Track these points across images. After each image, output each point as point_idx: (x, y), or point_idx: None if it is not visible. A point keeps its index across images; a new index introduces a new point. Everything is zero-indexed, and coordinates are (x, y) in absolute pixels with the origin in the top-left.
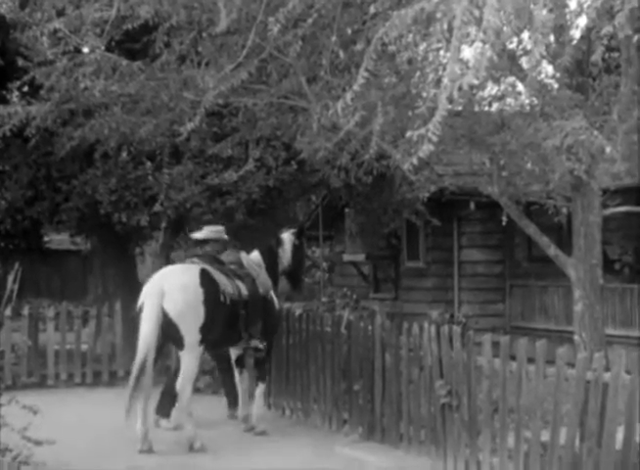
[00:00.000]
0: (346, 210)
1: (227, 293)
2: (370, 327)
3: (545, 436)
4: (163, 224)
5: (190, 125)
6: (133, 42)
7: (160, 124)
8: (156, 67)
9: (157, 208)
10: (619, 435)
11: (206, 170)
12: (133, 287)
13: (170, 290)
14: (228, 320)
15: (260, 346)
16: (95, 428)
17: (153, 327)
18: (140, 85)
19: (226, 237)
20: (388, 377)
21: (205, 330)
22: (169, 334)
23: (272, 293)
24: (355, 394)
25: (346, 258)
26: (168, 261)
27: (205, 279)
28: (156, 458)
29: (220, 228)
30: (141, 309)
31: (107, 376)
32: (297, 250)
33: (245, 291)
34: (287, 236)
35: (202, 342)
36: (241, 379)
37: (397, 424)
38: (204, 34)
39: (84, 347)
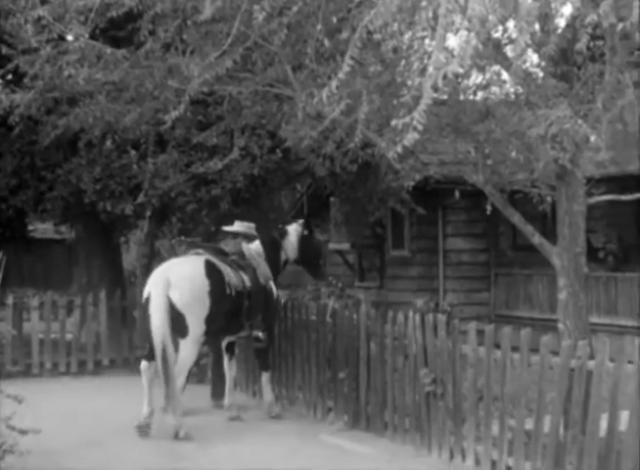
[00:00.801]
0: (331, 198)
1: (232, 284)
2: (355, 316)
3: (529, 424)
4: (148, 213)
5: (174, 114)
6: (117, 30)
7: (145, 113)
8: (140, 55)
9: (141, 198)
10: (603, 422)
11: (191, 159)
12: (118, 276)
13: (177, 280)
14: (232, 311)
15: (261, 336)
16: (80, 417)
17: (163, 316)
18: (124, 73)
19: (255, 233)
20: (373, 365)
21: (210, 321)
22: (174, 324)
23: (271, 283)
24: (340, 382)
25: (332, 246)
26: (153, 250)
27: (211, 270)
28: (140, 446)
29: (252, 225)
30: (148, 300)
31: (92, 365)
32: (307, 240)
33: (248, 282)
34: (293, 227)
35: (206, 332)
36: (229, 366)
37: (382, 412)
38: (188, 22)
39: (69, 336)
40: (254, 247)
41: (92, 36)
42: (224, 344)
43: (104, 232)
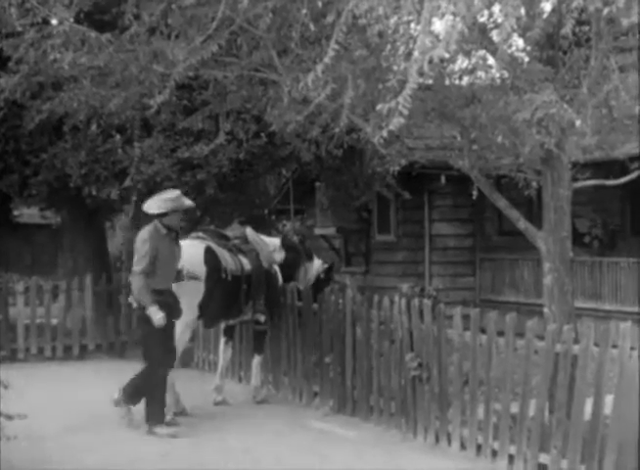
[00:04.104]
0: (317, 183)
1: (229, 269)
2: (341, 300)
3: (515, 408)
4: (134, 198)
5: (160, 98)
6: (102, 14)
7: (130, 97)
8: (125, 39)
9: (127, 183)
10: (588, 406)
11: (177, 144)
12: (103, 261)
13: None
14: (228, 296)
15: (262, 319)
16: (66, 402)
17: None
18: (109, 58)
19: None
20: (359, 350)
21: (204, 306)
22: None
23: (276, 267)
24: (326, 367)
25: (317, 231)
26: None
27: (210, 256)
28: (124, 431)
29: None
30: None
31: (77, 350)
32: (321, 282)
33: (248, 266)
34: (317, 261)
35: (199, 317)
36: (224, 349)
37: (368, 397)
38: (173, 6)
39: (54, 321)
40: (269, 239)
41: (76, 20)
42: (222, 327)
43: (89, 217)
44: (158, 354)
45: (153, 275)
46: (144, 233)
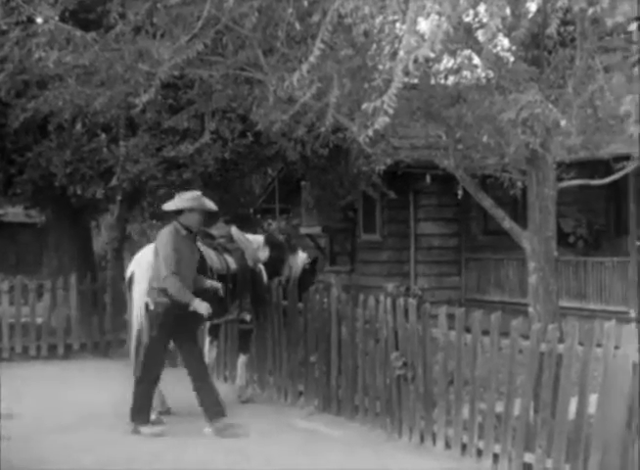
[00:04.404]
0: (303, 182)
1: (214, 268)
2: (326, 299)
3: (500, 407)
4: (119, 197)
5: (145, 97)
6: (87, 12)
7: (115, 96)
8: (110, 38)
9: (113, 182)
10: (573, 406)
11: (162, 143)
12: (88, 260)
13: None
14: (213, 295)
15: (248, 318)
16: (52, 401)
17: (144, 300)
18: (94, 56)
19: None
20: (344, 349)
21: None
22: None
23: (261, 266)
24: (311, 366)
25: (303, 230)
26: (124, 234)
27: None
28: (110, 432)
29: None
30: (131, 280)
31: (62, 349)
32: (306, 273)
33: (233, 265)
34: (302, 254)
35: None
36: (210, 348)
37: (353, 396)
38: (159, 5)
39: (39, 320)
40: (253, 237)
41: (62, 19)
42: (207, 326)
43: (74, 216)
44: (160, 357)
45: None
46: (163, 235)
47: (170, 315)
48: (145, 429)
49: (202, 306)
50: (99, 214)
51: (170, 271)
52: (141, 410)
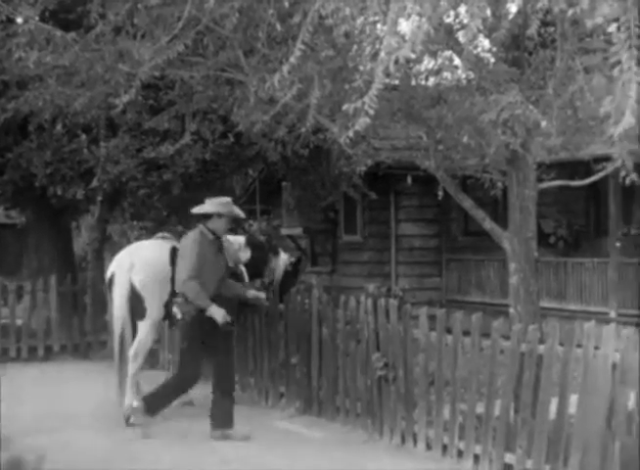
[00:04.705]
0: (284, 183)
1: None
2: (307, 300)
3: (480, 408)
4: (99, 198)
5: (125, 98)
6: (67, 13)
7: (96, 97)
8: (90, 38)
9: (94, 183)
10: (553, 406)
11: (143, 144)
12: (69, 261)
13: (140, 264)
14: None
15: (228, 319)
16: (32, 403)
17: (124, 301)
18: (75, 57)
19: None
20: (325, 350)
21: (169, 306)
22: (133, 306)
23: (242, 267)
24: (292, 367)
25: (284, 231)
26: (104, 235)
27: (175, 257)
28: (90, 433)
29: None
30: (111, 281)
31: (42, 351)
32: (288, 275)
33: None
34: (283, 255)
35: (164, 317)
36: None
37: (334, 397)
38: (139, 5)
39: (19, 321)
40: (234, 238)
41: (42, 19)
42: None
43: (55, 217)
44: (195, 367)
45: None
46: (189, 239)
47: (197, 324)
48: (233, 433)
49: (218, 313)
50: (79, 215)
51: (189, 276)
52: (224, 415)
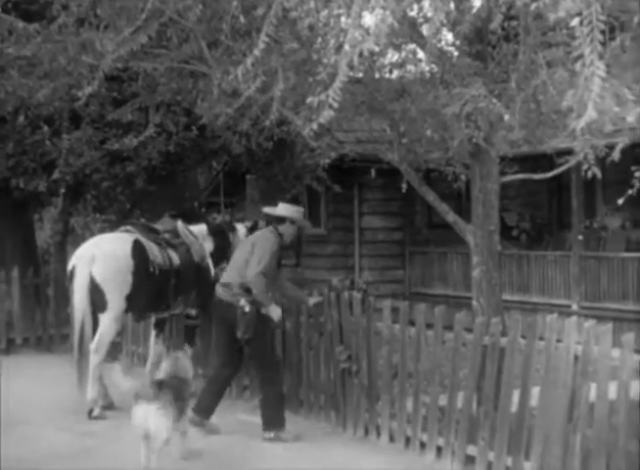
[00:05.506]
0: (248, 176)
1: (156, 263)
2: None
3: (443, 400)
4: (62, 190)
5: (88, 90)
6: (30, 4)
7: (58, 88)
8: (53, 29)
9: (56, 175)
10: (515, 398)
11: (106, 136)
12: (31, 254)
13: (101, 257)
14: (155, 290)
15: (192, 313)
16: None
17: (85, 293)
18: (37, 48)
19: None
20: (289, 343)
21: (131, 299)
22: (94, 299)
23: (208, 261)
24: None
25: (247, 222)
26: (67, 228)
27: (137, 250)
28: (55, 424)
29: (300, 209)
30: (72, 274)
31: (4, 344)
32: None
33: (177, 260)
34: (240, 227)
35: (126, 310)
36: (155, 341)
37: (297, 390)
38: None
39: None
40: (197, 229)
41: (4, 10)
42: (153, 320)
43: (17, 209)
44: (272, 357)
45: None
46: (269, 236)
47: (256, 319)
48: (285, 435)
49: (276, 312)
50: (42, 208)
51: (261, 271)
52: (277, 416)
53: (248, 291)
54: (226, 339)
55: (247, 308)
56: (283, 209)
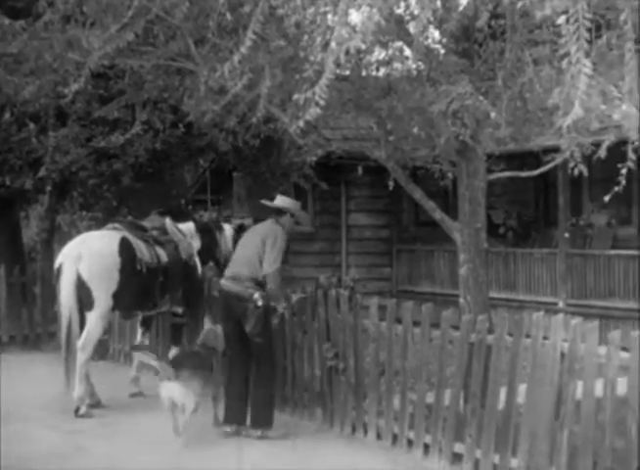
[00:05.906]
0: (235, 173)
1: (144, 261)
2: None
3: (430, 398)
4: (48, 188)
5: (75, 87)
6: (16, 1)
7: (45, 85)
8: (39, 26)
9: (42, 172)
10: (502, 395)
11: (93, 133)
12: (17, 251)
13: (88, 254)
14: (143, 288)
15: (179, 311)
16: None
17: (71, 291)
18: (23, 45)
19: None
20: (275, 340)
21: (118, 297)
22: (81, 296)
23: (196, 259)
24: None
25: (234, 222)
26: (54, 225)
27: (124, 248)
28: (42, 422)
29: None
30: (59, 271)
31: None
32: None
33: (165, 258)
34: (227, 227)
35: (113, 308)
36: (142, 340)
37: (283, 387)
38: None
39: None
40: (185, 226)
41: None
42: (140, 318)
43: (3, 207)
44: (271, 355)
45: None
46: (276, 229)
47: (268, 313)
48: (272, 433)
49: (282, 306)
50: (28, 205)
51: (278, 267)
52: (266, 415)
53: (259, 285)
54: (236, 334)
55: (259, 303)
56: (282, 201)
